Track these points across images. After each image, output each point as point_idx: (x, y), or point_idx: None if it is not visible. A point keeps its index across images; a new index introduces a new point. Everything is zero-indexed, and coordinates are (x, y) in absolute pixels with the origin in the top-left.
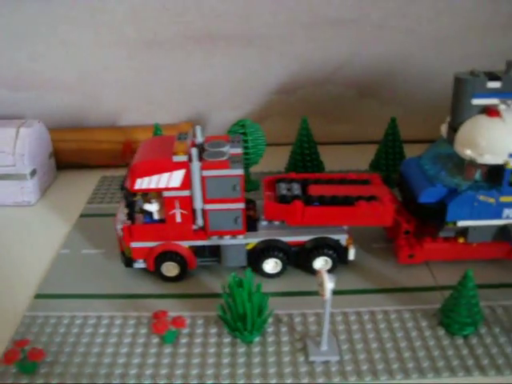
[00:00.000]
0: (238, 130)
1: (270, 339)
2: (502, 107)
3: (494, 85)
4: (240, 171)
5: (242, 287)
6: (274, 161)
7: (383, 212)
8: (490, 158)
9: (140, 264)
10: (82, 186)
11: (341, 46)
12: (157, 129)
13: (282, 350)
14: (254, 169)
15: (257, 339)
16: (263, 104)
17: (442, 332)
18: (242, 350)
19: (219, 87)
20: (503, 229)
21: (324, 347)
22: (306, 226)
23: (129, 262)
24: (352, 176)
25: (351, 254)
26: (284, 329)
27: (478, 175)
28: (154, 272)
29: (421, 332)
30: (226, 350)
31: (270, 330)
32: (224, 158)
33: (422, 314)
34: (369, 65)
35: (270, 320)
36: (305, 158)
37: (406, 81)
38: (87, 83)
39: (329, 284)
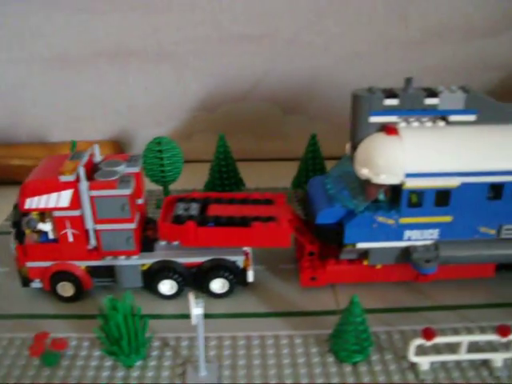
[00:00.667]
0: (154, 148)
1: (152, 363)
2: (402, 125)
3: (392, 102)
4: (127, 191)
5: (116, 310)
6: (198, 178)
7: (279, 233)
8: (386, 178)
9: (37, 284)
10: (4, 203)
11: (254, 61)
12: (73, 146)
13: (161, 375)
14: (175, 186)
15: (138, 363)
16: (186, 121)
17: (331, 359)
18: (120, 374)
19: (139, 104)
20: (405, 251)
21: (203, 373)
22: (201, 247)
23: (25, 281)
24: (255, 196)
25: (250, 276)
26: (169, 353)
27: (381, 196)
28: (51, 292)
29: (309, 358)
30: (105, 373)
31: (155, 353)
32: (113, 178)
33: (315, 339)
34: (287, 80)
35: (157, 343)
36: (222, 175)
37: (329, 96)
38: (10, 100)
39: (195, 309)
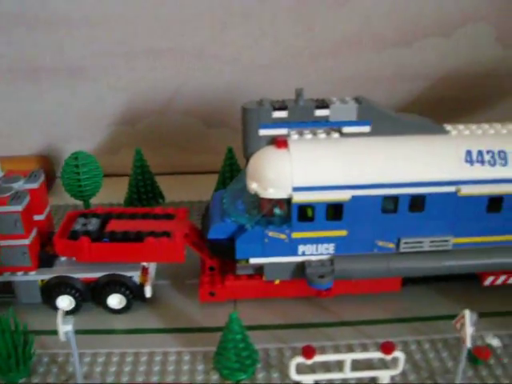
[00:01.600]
0: (71, 163)
1: (35, 380)
2: (294, 138)
3: (280, 114)
4: (19, 207)
5: None
6: (123, 192)
7: (172, 248)
8: (274, 192)
9: None
10: None
11: (165, 75)
12: None
13: None
14: (98, 200)
15: (22, 380)
16: (111, 135)
17: (215, 377)
18: None
19: (60, 119)
20: (301, 266)
21: None
22: (97, 262)
23: None
24: (157, 211)
25: (147, 292)
26: (55, 369)
27: (277, 210)
28: None
29: (193, 376)
30: None
31: (41, 370)
32: (6, 195)
33: (203, 356)
34: (204, 94)
35: (46, 359)
36: (140, 189)
37: None
38: None
39: (62, 326)
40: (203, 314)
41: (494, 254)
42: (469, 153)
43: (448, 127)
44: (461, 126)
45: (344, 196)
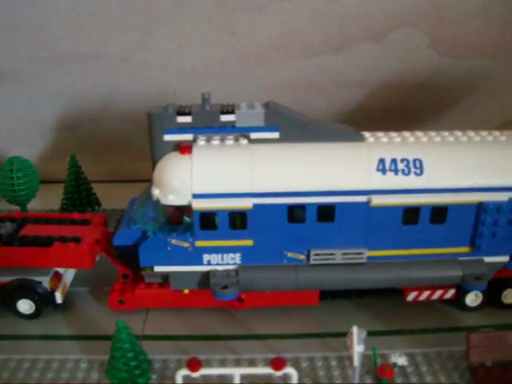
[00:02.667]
0: (7, 167)
1: None
2: (201, 144)
3: (185, 119)
4: None
5: None
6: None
7: (79, 254)
8: (174, 199)
9: None
10: None
11: (96, 81)
12: None
13: None
14: (35, 205)
15: None
16: (55, 142)
17: None
18: None
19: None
20: (206, 276)
21: None
22: (8, 266)
23: None
24: (75, 216)
25: (58, 298)
26: None
27: (187, 218)
28: None
29: None
30: None
31: None
32: None
33: (100, 364)
34: (140, 100)
35: None
36: (74, 196)
37: None
38: None
39: None
40: (113, 322)
41: (412, 268)
42: (381, 161)
43: (366, 134)
44: (380, 134)
45: (246, 204)
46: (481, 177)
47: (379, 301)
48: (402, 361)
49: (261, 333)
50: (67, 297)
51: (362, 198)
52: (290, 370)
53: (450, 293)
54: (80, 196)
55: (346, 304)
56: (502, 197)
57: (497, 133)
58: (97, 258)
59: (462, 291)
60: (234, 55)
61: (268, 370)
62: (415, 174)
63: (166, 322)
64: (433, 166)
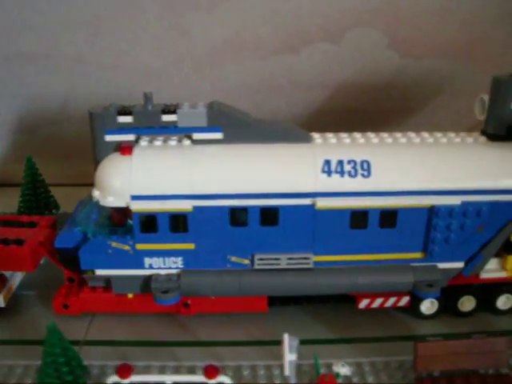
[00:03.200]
0: None
1: None
2: (143, 144)
3: (125, 119)
4: None
5: None
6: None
7: (19, 256)
8: (113, 201)
9: None
10: None
11: (50, 82)
12: None
13: None
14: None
15: None
16: (12, 143)
17: None
18: None
19: None
20: (148, 280)
21: None
22: None
23: None
24: (23, 218)
25: (0, 301)
26: None
27: (130, 220)
28: None
29: None
30: None
31: None
32: None
33: (35, 370)
34: (91, 102)
35: None
36: (31, 198)
37: None
38: None
39: None
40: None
41: (361, 274)
42: (327, 162)
43: (315, 135)
44: (330, 135)
45: (185, 206)
46: (432, 180)
47: (332, 308)
48: (344, 370)
49: (205, 340)
50: (13, 300)
51: (307, 201)
52: (223, 379)
53: (405, 300)
54: (37, 199)
55: (297, 311)
56: (455, 200)
57: (452, 134)
58: (43, 261)
59: (416, 299)
60: (187, 55)
61: (201, 379)
62: (362, 175)
63: (111, 327)
64: (381, 168)
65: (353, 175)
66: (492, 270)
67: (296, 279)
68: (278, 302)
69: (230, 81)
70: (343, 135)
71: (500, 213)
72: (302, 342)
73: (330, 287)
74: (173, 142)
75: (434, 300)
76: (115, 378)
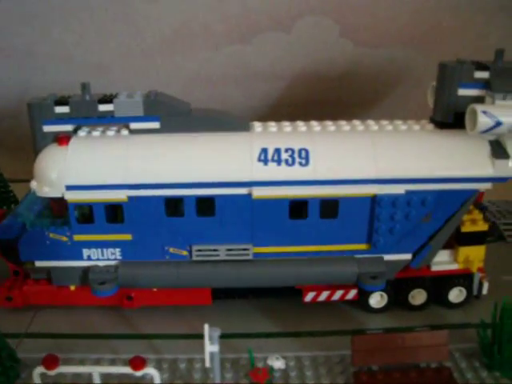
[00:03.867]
0: None
1: None
2: (81, 134)
3: (62, 109)
4: None
5: None
6: None
7: None
8: (49, 191)
9: None
10: None
11: (5, 75)
12: None
13: None
14: None
15: None
16: None
17: None
18: None
19: None
20: (87, 271)
21: None
22: None
23: None
24: None
25: None
26: None
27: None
28: None
29: None
30: None
31: None
32: None
33: None
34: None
35: None
36: None
37: None
38: None
39: None
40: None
41: (302, 265)
42: (264, 151)
43: (256, 124)
44: (271, 123)
45: (120, 196)
46: (374, 168)
47: (280, 302)
48: (278, 364)
49: (147, 332)
50: None
51: (243, 190)
52: (150, 371)
53: (352, 293)
54: None
55: (243, 304)
56: (398, 189)
57: (399, 122)
58: None
59: (365, 292)
60: (138, 47)
61: (127, 370)
62: (300, 164)
63: (54, 320)
64: (320, 157)
65: (290, 164)
66: (443, 262)
67: (235, 271)
68: (221, 294)
69: (184, 72)
70: (285, 123)
71: (447, 202)
72: (243, 336)
73: (270, 279)
74: (110, 132)
75: (383, 293)
76: (41, 370)
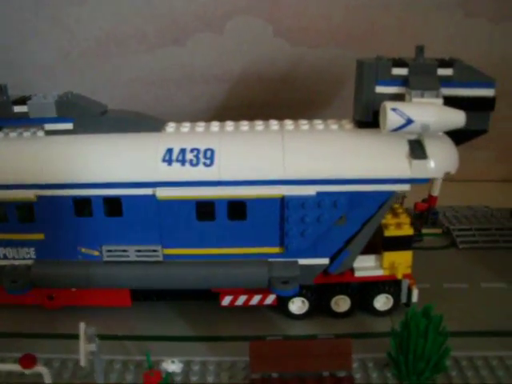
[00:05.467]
0: None
1: None
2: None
3: None
4: None
5: None
6: None
7: None
8: None
9: None
10: None
11: None
12: None
13: None
14: None
15: None
16: None
17: None
18: None
19: None
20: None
21: None
22: None
23: None
24: None
25: None
26: None
27: None
28: None
29: None
30: None
31: None
32: None
33: None
34: None
35: None
36: None
37: None
38: None
39: None
40: None
41: (211, 268)
42: (169, 151)
43: (170, 125)
44: (186, 124)
45: (29, 195)
46: (281, 169)
47: (201, 305)
48: (173, 367)
49: (63, 332)
50: None
51: (148, 191)
52: (40, 369)
53: (271, 298)
54: None
55: (163, 307)
56: (308, 190)
57: (318, 121)
58: None
59: (284, 298)
60: (75, 50)
61: (17, 367)
62: (204, 164)
63: None
64: (226, 157)
65: (194, 164)
66: (368, 267)
67: (145, 272)
68: (141, 297)
69: (125, 75)
70: (200, 124)
71: (362, 205)
72: (149, 339)
73: (181, 281)
74: (26, 133)
75: (304, 299)
76: None
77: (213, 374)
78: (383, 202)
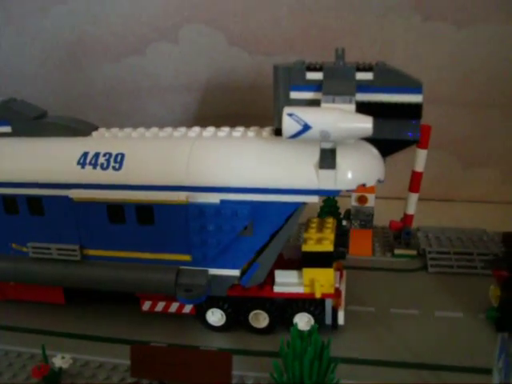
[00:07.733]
0: None
1: None
2: None
3: None
4: None
5: None
6: None
7: None
8: None
9: None
10: None
11: None
12: None
13: None
14: None
15: None
16: None
17: None
18: None
19: None
20: None
21: None
22: None
23: None
24: None
25: None
26: None
27: None
28: None
29: None
30: None
31: None
32: None
33: None
34: None
35: None
36: None
37: None
38: None
39: None
40: None
41: (120, 271)
42: (85, 154)
43: (101, 130)
44: (114, 130)
45: None
46: (185, 175)
47: (131, 308)
48: (60, 362)
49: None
50: None
51: (65, 192)
52: None
53: (188, 307)
54: None
55: (98, 306)
56: (212, 198)
57: (239, 129)
58: None
59: (202, 308)
60: (47, 60)
61: None
62: (113, 168)
63: None
64: (134, 162)
65: (105, 167)
66: (289, 283)
67: (64, 271)
68: (74, 295)
69: (98, 85)
70: (126, 130)
71: (269, 215)
72: (83, 338)
73: (96, 282)
74: None
75: (222, 311)
76: None
77: (99, 374)
78: (290, 213)
